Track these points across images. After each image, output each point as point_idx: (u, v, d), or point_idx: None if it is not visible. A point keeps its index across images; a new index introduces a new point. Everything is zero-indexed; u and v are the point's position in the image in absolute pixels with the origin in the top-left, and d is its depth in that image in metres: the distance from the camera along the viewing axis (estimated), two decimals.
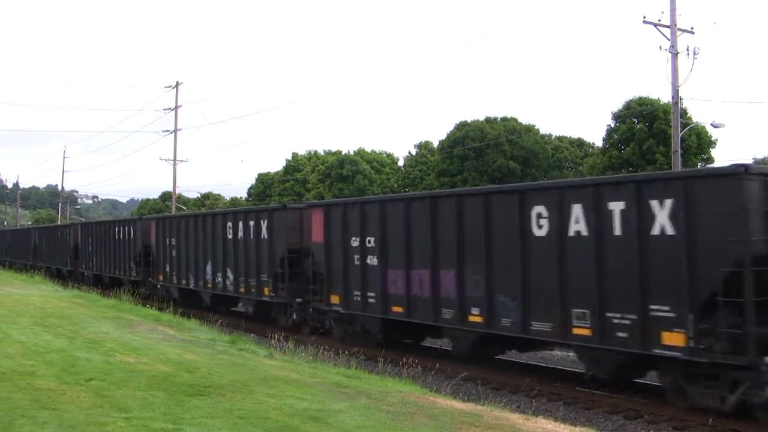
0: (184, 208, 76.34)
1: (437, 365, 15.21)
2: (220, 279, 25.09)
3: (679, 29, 28.91)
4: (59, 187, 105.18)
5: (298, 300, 21.34)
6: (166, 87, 56.44)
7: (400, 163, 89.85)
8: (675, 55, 28.57)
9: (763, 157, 60.29)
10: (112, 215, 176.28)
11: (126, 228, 34.23)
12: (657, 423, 11.94)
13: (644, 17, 28.73)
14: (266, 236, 22.32)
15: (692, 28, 29.59)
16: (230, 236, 24.34)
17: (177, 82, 55.66)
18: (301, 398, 10.11)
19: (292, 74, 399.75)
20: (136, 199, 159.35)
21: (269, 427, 8.24)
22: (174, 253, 28.61)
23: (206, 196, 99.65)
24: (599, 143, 64.53)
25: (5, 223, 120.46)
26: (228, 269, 24.51)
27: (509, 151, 69.84)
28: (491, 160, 68.99)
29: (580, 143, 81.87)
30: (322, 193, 79.58)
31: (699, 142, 55.11)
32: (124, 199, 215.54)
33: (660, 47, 28.87)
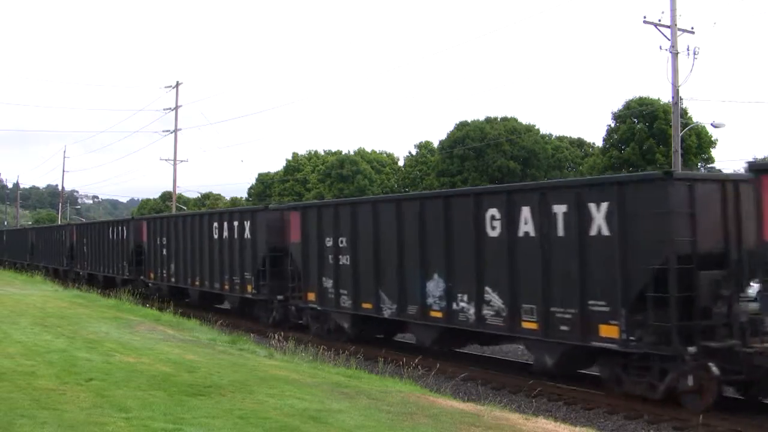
0: (184, 208, 76.33)
1: (437, 365, 15.20)
2: (465, 304, 15.28)
3: (679, 29, 28.92)
4: (59, 187, 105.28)
5: (692, 350, 11.78)
6: (166, 87, 56.55)
7: (401, 163, 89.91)
8: (675, 55, 28.58)
9: (763, 156, 60.24)
10: (112, 215, 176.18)
11: (233, 224, 24.35)
12: (657, 423, 11.93)
13: (644, 17, 28.80)
14: (605, 230, 12.79)
15: (692, 28, 29.63)
16: (494, 232, 14.82)
17: (177, 82, 55.76)
18: (301, 398, 10.11)
19: (292, 74, 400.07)
20: (136, 199, 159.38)
21: (269, 427, 8.24)
22: (345, 261, 18.81)
23: (206, 196, 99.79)
24: (599, 143, 64.61)
25: (5, 223, 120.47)
26: (489, 289, 14.87)
27: (509, 151, 69.85)
28: (491, 160, 69.00)
29: (580, 143, 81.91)
30: (322, 194, 79.60)
31: (699, 142, 55.18)
32: (124, 199, 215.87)
33: (660, 47, 28.93)
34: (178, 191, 61.17)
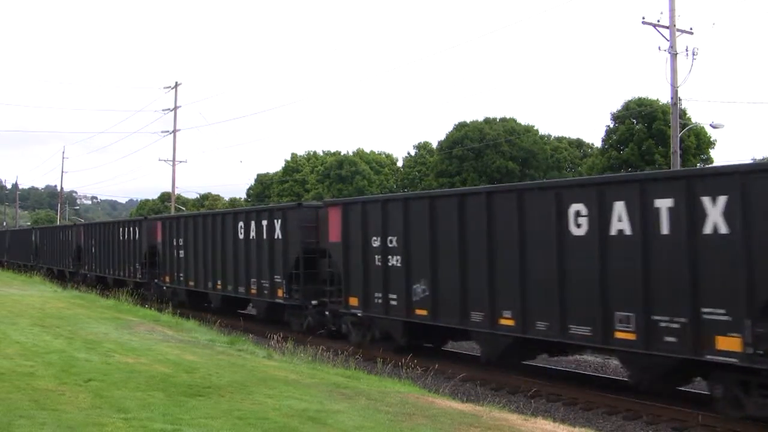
0: (183, 208, 76.30)
1: (436, 366, 15.20)
2: None
3: (678, 30, 28.94)
4: (58, 188, 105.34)
5: None
6: (165, 88, 56.52)
7: (399, 163, 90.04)
8: (674, 55, 28.59)
9: (762, 157, 60.29)
10: (111, 216, 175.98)
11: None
12: (656, 424, 11.93)
13: (643, 18, 28.81)
14: None
15: (691, 29, 29.66)
16: None
17: (176, 82, 55.76)
18: (300, 399, 10.11)
19: (292, 75, 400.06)
20: (135, 199, 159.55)
21: (268, 428, 8.24)
22: None
23: (205, 197, 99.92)
24: (598, 144, 64.68)
25: (4, 224, 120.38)
26: None
27: (508, 152, 69.91)
28: (490, 161, 69.03)
29: (579, 144, 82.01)
30: (321, 194, 79.60)
31: (698, 142, 55.24)
32: (123, 200, 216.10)
33: (659, 48, 28.94)
34: (177, 192, 61.23)
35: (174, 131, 55.44)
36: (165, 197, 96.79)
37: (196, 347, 15.50)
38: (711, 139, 56.46)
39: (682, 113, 43.27)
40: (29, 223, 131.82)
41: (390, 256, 17.04)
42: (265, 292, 22.06)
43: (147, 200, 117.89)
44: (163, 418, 8.37)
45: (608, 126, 59.45)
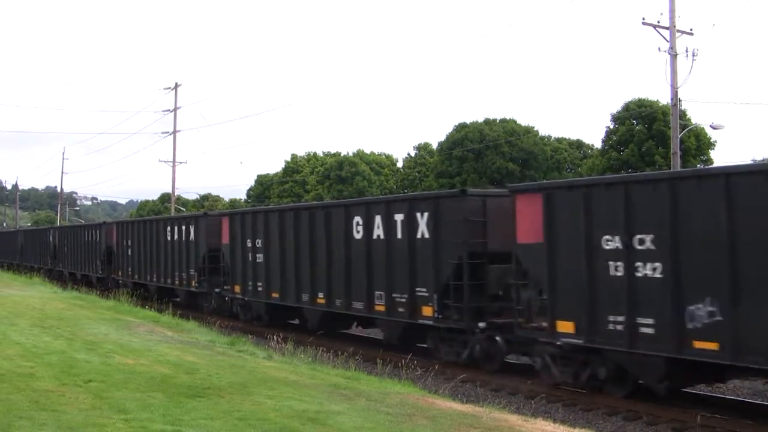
0: (183, 209, 76.27)
1: (436, 367, 15.21)
2: None
3: (678, 31, 28.94)
4: (58, 189, 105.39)
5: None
6: (165, 88, 56.47)
7: (399, 164, 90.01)
8: (674, 56, 28.59)
9: (762, 158, 60.29)
10: (111, 216, 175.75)
11: None
12: (656, 425, 11.94)
13: (643, 18, 28.78)
14: None
15: (691, 30, 29.66)
16: None
17: (176, 83, 55.75)
18: (300, 400, 10.12)
19: (292, 76, 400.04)
20: (135, 200, 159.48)
21: (268, 429, 8.25)
22: None
23: (205, 198, 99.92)
24: (598, 145, 64.63)
25: (5, 225, 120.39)
26: None
27: (508, 153, 69.91)
28: (490, 162, 69.02)
29: (579, 145, 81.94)
30: (321, 195, 79.58)
31: (698, 143, 55.20)
32: (123, 201, 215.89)
33: (659, 49, 28.91)
34: (177, 193, 61.23)
35: (174, 132, 55.48)
36: (165, 198, 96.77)
37: (196, 348, 15.51)
38: (711, 140, 56.43)
39: (682, 114, 43.27)
40: (29, 224, 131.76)
41: (639, 264, 12.10)
42: (401, 309, 16.99)
43: (147, 201, 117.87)
44: (163, 418, 8.38)
45: (608, 127, 59.44)
